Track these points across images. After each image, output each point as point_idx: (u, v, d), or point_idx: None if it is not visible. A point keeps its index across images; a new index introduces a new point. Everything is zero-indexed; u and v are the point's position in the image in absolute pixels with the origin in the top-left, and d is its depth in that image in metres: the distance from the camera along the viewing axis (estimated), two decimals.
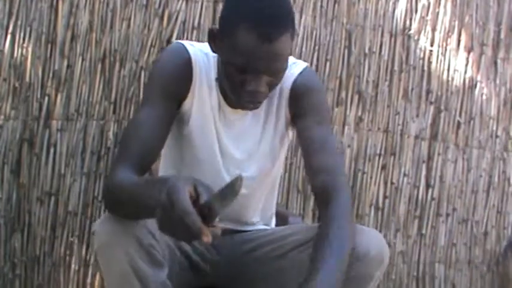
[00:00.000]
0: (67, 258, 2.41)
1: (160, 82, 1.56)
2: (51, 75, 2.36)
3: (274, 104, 1.63)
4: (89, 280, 2.43)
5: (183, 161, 1.67)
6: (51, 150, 2.36)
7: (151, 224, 1.37)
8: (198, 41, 2.38)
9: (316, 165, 1.53)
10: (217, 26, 1.53)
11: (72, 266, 2.41)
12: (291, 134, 1.71)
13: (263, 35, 1.38)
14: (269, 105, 1.63)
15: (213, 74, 1.60)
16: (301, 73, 1.62)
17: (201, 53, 1.60)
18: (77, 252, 2.41)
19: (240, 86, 1.45)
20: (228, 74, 1.46)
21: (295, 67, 1.63)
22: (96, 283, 2.43)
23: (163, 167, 1.76)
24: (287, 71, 1.55)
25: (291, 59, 1.64)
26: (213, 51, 1.54)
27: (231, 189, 1.09)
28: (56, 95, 2.36)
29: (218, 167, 1.62)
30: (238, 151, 1.63)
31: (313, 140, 1.56)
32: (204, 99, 1.59)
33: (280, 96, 1.62)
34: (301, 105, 1.60)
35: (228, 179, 1.57)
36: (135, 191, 1.30)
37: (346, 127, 2.69)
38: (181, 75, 1.57)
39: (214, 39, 1.52)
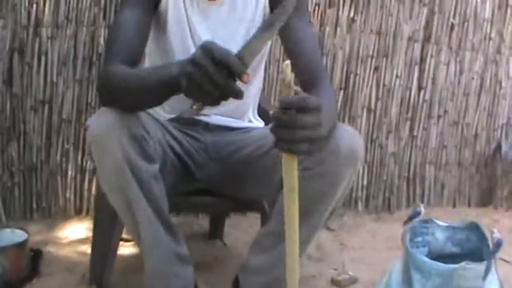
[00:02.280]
0: (63, 165, 2.44)
1: None
2: None
3: None
4: (85, 186, 2.49)
5: (161, 60, 1.68)
6: (42, 59, 2.34)
7: (146, 121, 1.42)
8: None
9: (302, 59, 1.55)
10: None
11: (69, 172, 2.45)
12: None
13: None
14: None
15: None
16: None
17: None
18: (73, 159, 2.45)
19: None
20: None
21: None
22: (93, 189, 2.48)
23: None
24: None
25: None
26: None
27: (283, 9, 1.12)
28: (45, 2, 2.32)
29: None
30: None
31: (296, 36, 1.58)
32: None
33: None
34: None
35: None
36: (140, 76, 1.35)
37: (338, 28, 2.67)
38: None
39: None
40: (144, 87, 1.32)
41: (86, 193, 2.49)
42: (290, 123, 1.07)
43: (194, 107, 1.16)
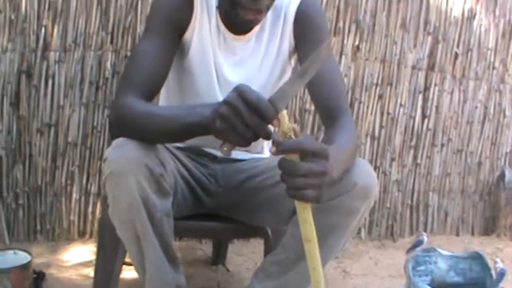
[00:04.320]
0: (68, 187, 2.45)
1: (162, 12, 1.56)
2: (47, 6, 2.34)
3: (278, 30, 1.63)
4: (90, 209, 2.49)
5: (182, 92, 1.68)
6: (50, 82, 2.37)
7: (162, 153, 1.41)
8: None
9: (321, 92, 1.55)
10: None
11: (74, 195, 2.46)
12: (293, 62, 1.71)
13: None
14: (273, 31, 1.63)
15: (214, 1, 1.60)
16: None
17: None
18: (78, 182, 2.46)
19: None
20: None
21: None
22: (97, 212, 2.48)
23: (163, 98, 1.77)
24: None
25: None
26: None
27: (317, 57, 1.14)
28: (53, 26, 2.35)
29: (216, 95, 1.63)
30: (236, 77, 1.64)
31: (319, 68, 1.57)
32: (204, 28, 1.59)
33: (285, 22, 1.63)
34: (305, 32, 1.61)
35: None
36: (165, 116, 1.34)
37: (343, 56, 2.69)
38: (183, 5, 1.57)
39: None
40: (170, 126, 1.32)
41: (90, 216, 2.50)
42: (292, 171, 1.10)
43: (225, 148, 1.18)
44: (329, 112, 1.53)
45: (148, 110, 1.39)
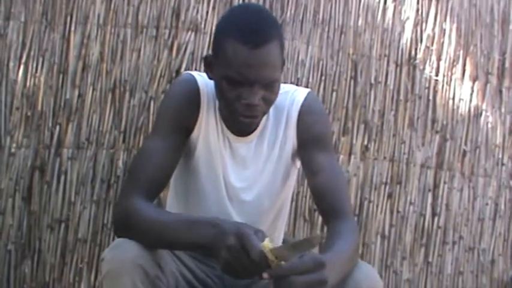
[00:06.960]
0: (76, 284, 2.43)
1: (169, 112, 1.61)
2: (62, 104, 2.42)
3: (280, 132, 1.66)
4: None
5: (188, 191, 1.70)
6: (62, 178, 2.41)
7: (160, 254, 1.43)
8: None
9: (322, 195, 1.57)
10: (211, 53, 1.59)
11: None
12: (298, 163, 1.73)
13: (249, 42, 1.44)
14: (275, 132, 1.66)
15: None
16: (306, 99, 1.66)
17: (209, 82, 1.63)
18: (86, 279, 2.44)
19: (236, 101, 1.48)
20: (223, 92, 1.50)
21: (298, 94, 1.67)
22: None
23: (171, 197, 1.79)
24: (290, 97, 1.62)
25: (292, 87, 1.68)
26: (209, 78, 1.59)
27: (308, 242, 1.22)
28: (67, 124, 2.42)
29: (222, 196, 1.65)
30: (239, 179, 1.66)
31: (321, 170, 1.60)
32: (210, 128, 1.63)
33: (287, 124, 1.65)
34: (308, 134, 1.64)
35: (230, 208, 1.64)
36: (170, 225, 1.39)
37: (352, 156, 2.71)
38: (190, 105, 1.61)
39: (210, 65, 1.57)
40: (171, 240, 1.38)
41: None
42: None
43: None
44: (329, 216, 1.55)
45: (153, 217, 1.42)
